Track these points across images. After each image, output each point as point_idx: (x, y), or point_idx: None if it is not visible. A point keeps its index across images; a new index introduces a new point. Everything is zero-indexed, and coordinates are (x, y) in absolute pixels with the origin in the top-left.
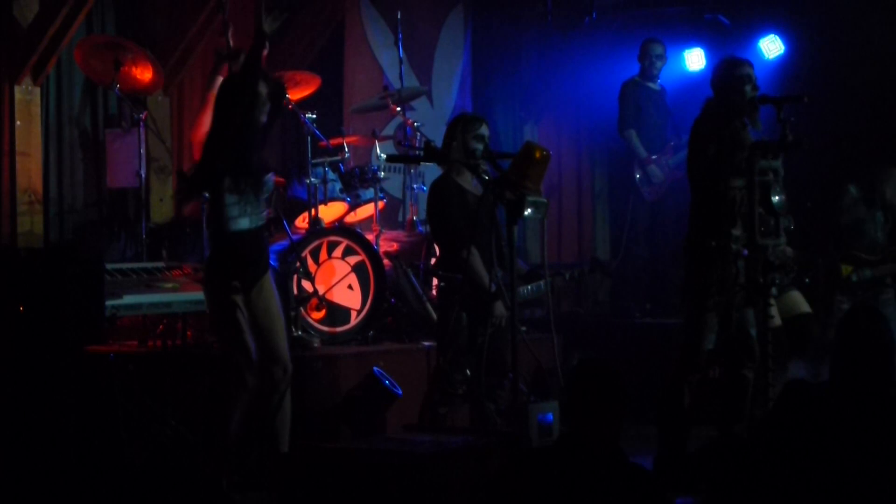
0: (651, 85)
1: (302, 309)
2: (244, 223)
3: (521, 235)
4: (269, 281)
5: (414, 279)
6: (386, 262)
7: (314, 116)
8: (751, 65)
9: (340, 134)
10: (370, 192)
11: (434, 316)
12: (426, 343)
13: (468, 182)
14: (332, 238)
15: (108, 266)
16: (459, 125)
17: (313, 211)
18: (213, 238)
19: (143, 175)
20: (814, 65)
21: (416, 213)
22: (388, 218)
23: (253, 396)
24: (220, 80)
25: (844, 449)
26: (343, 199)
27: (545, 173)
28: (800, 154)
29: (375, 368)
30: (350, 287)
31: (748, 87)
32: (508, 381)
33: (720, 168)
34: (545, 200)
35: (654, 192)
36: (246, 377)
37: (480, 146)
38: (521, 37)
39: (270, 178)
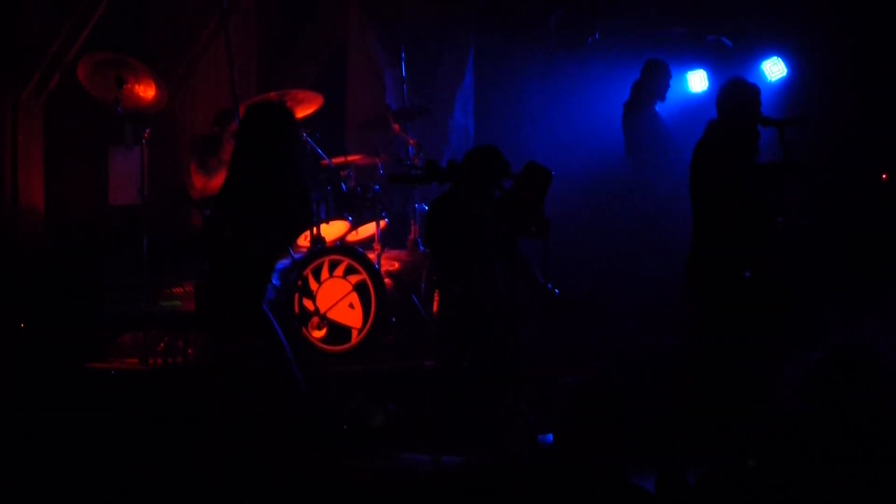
0: (652, 105)
1: (303, 327)
2: None
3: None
4: None
5: (416, 300)
6: (387, 281)
7: (317, 135)
8: (758, 90)
9: (342, 152)
10: (372, 212)
11: None
12: (428, 362)
13: (469, 201)
14: (334, 257)
15: (110, 282)
16: (494, 166)
17: (315, 229)
18: None
19: (146, 192)
20: (816, 87)
21: (417, 232)
22: (389, 237)
23: None
24: None
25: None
26: (345, 218)
27: (547, 193)
28: (802, 176)
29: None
30: (351, 306)
31: (754, 113)
32: (509, 399)
33: (723, 189)
34: (547, 220)
35: (659, 211)
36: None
37: (496, 191)
38: (524, 56)
39: None
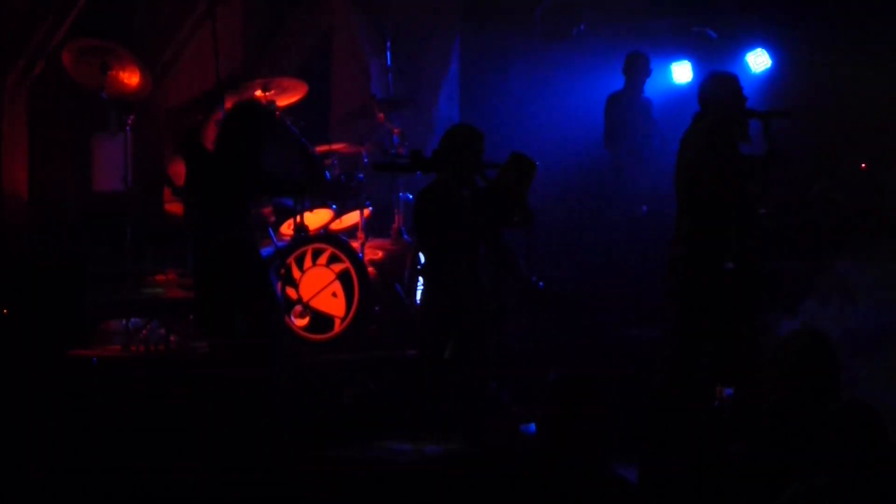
0: (636, 97)
1: (286, 316)
2: None
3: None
4: None
5: (399, 289)
6: (371, 270)
7: (301, 123)
8: (737, 79)
9: (327, 141)
10: (356, 200)
11: None
12: (411, 352)
13: (457, 190)
14: (317, 245)
15: (93, 269)
16: (474, 140)
17: (298, 218)
18: None
19: (129, 179)
20: (800, 78)
21: (401, 221)
22: (373, 226)
23: None
24: None
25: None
26: (328, 207)
27: (531, 183)
28: (786, 167)
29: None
30: (334, 295)
31: (739, 102)
32: (492, 390)
33: (708, 180)
34: (531, 211)
35: (639, 203)
36: None
37: (474, 167)
38: (510, 47)
39: None
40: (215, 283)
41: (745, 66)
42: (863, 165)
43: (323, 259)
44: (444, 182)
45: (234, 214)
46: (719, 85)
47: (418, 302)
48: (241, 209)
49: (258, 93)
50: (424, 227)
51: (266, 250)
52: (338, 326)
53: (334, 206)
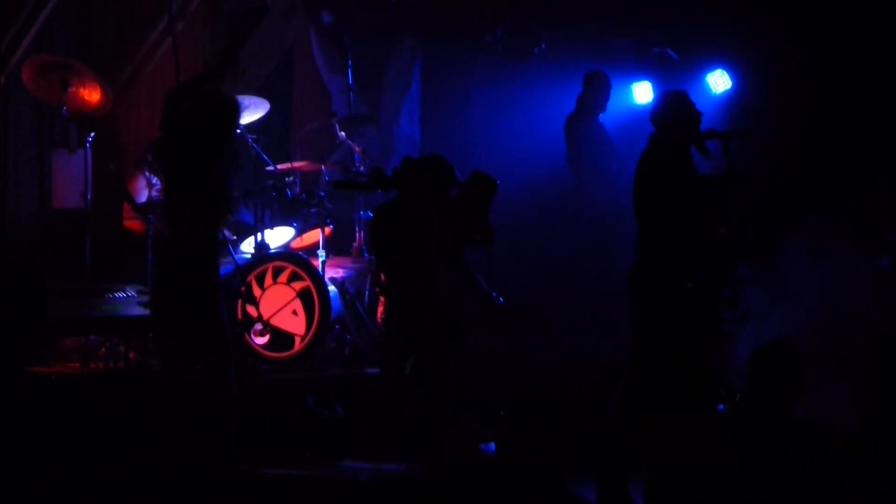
0: (595, 116)
1: (246, 334)
2: None
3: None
4: None
5: (360, 308)
6: (331, 288)
7: (262, 141)
8: (686, 96)
9: (288, 159)
10: (317, 218)
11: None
12: (370, 370)
13: (413, 208)
14: (278, 263)
15: (52, 286)
16: (442, 175)
17: (259, 235)
18: None
19: (89, 196)
20: (761, 99)
21: (362, 239)
22: (334, 244)
23: None
24: None
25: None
26: (289, 225)
27: (492, 202)
28: (746, 187)
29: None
30: (295, 313)
31: (692, 119)
32: (452, 408)
33: (668, 200)
34: (492, 228)
35: (601, 221)
36: None
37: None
38: (471, 66)
39: None
40: (175, 299)
41: (706, 87)
42: None
43: (283, 277)
44: (402, 200)
45: (207, 225)
46: (671, 104)
47: (379, 320)
48: (212, 219)
49: None
50: (380, 245)
51: (226, 268)
52: (298, 344)
53: (295, 225)
